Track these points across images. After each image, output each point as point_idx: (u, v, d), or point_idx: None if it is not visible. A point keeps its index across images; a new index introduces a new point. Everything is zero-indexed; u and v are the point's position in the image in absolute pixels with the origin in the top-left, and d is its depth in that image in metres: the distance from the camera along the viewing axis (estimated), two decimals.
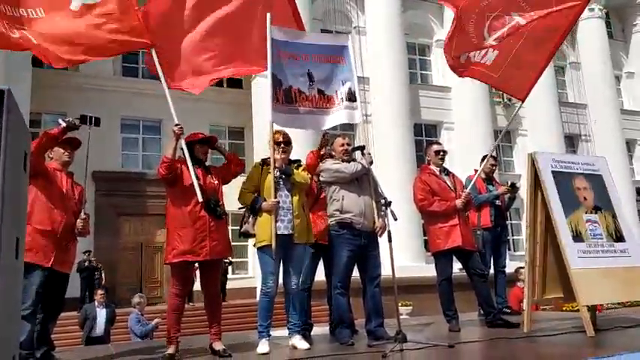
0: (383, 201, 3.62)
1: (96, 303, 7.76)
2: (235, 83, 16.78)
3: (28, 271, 2.92)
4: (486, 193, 4.99)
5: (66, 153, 3.37)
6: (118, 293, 12.73)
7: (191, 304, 9.70)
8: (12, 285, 1.69)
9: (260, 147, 12.44)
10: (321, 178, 3.80)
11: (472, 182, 4.64)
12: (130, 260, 14.17)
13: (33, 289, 2.98)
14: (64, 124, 3.17)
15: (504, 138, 17.19)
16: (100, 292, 7.95)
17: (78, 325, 7.77)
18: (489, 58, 4.27)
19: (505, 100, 17.02)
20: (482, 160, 5.07)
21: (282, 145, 3.56)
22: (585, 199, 3.70)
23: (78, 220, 3.29)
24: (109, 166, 13.37)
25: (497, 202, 5.01)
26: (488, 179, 5.16)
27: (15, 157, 1.69)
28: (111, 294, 9.89)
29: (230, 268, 13.37)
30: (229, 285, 12.86)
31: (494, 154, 5.16)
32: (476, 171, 4.94)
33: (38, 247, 3.03)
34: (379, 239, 3.70)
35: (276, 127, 3.62)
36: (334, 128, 3.99)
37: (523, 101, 4.41)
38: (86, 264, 11.25)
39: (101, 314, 7.59)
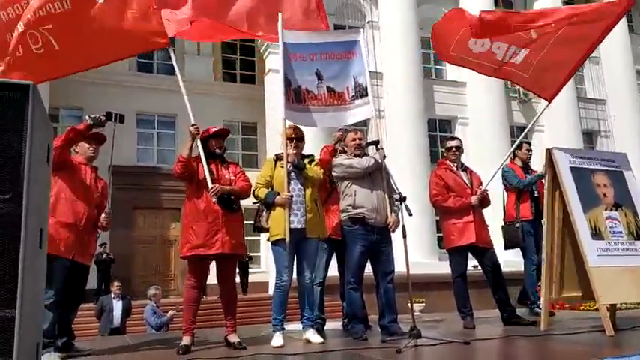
0: (397, 196, 3.61)
1: (112, 295, 7.91)
2: (248, 79, 16.85)
3: (50, 262, 2.99)
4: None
5: (91, 148, 3.46)
6: (133, 285, 12.93)
7: (204, 297, 9.81)
8: (36, 274, 1.73)
9: (273, 142, 12.48)
10: (333, 174, 3.81)
11: (492, 176, 4.57)
12: (144, 253, 14.39)
13: (55, 279, 3.05)
14: (90, 121, 3.25)
15: (521, 134, 16.94)
16: (116, 283, 8.09)
17: (95, 317, 7.95)
18: (520, 58, 4.13)
19: (521, 95, 16.77)
20: (516, 149, 4.99)
21: (294, 141, 3.59)
22: (605, 195, 3.63)
23: (102, 216, 3.37)
24: (125, 160, 13.54)
25: (536, 194, 4.81)
26: (526, 168, 4.98)
27: (39, 150, 1.72)
28: (126, 286, 10.05)
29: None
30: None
31: (527, 140, 5.06)
32: (512, 160, 4.88)
33: (61, 239, 3.10)
34: (392, 235, 3.70)
35: (289, 123, 3.66)
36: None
37: (550, 102, 4.31)
38: (104, 256, 11.44)
39: (117, 306, 7.73)
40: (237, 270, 13.12)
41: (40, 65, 3.25)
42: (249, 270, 13.43)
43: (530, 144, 5.23)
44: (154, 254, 14.54)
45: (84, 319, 8.16)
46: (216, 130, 3.53)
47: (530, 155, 5.08)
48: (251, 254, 14.07)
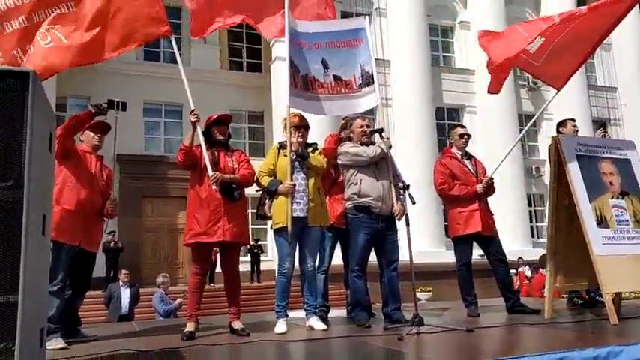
0: (401, 184, 3.60)
1: (120, 282, 8.03)
2: (255, 67, 16.78)
3: (57, 250, 3.04)
4: None
5: (96, 137, 3.47)
6: (141, 273, 13.09)
7: (211, 284, 9.91)
8: (40, 260, 1.75)
9: (279, 131, 12.47)
10: (339, 162, 3.79)
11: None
12: (152, 241, 14.54)
13: (61, 266, 3.10)
14: (92, 109, 3.28)
15: (529, 122, 16.74)
16: (124, 271, 8.20)
17: (104, 304, 8.08)
18: (535, 45, 4.13)
19: (530, 83, 16.53)
20: (559, 126, 4.80)
21: (300, 129, 3.58)
22: (611, 184, 3.59)
23: (108, 203, 3.41)
24: (132, 149, 13.62)
25: None
26: None
27: (40, 137, 1.73)
28: (135, 274, 10.17)
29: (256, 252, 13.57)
30: (247, 267, 13.06)
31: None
32: (556, 137, 4.78)
33: (66, 227, 3.13)
34: (398, 224, 3.69)
35: (294, 111, 3.64)
36: None
37: (559, 90, 4.28)
38: (111, 244, 11.58)
39: (125, 293, 7.84)
40: (249, 259, 13.25)
41: (51, 57, 3.29)
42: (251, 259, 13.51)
43: (574, 120, 4.90)
44: (162, 242, 14.69)
45: (93, 306, 8.31)
46: (216, 116, 3.51)
47: (577, 131, 4.78)
48: (259, 243, 14.16)
